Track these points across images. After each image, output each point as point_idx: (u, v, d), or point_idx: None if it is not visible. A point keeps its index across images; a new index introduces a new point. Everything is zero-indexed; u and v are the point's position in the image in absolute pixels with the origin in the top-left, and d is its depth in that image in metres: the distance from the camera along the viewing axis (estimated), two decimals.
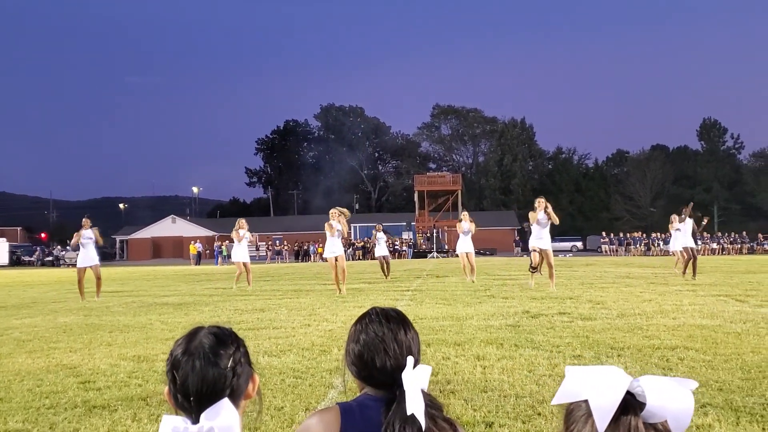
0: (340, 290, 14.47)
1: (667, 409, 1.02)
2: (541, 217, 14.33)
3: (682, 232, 18.06)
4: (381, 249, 21.81)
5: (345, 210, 15.30)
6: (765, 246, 50.15)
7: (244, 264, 17.79)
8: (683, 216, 18.12)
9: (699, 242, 17.96)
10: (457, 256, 19.29)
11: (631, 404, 1.03)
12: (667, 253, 50.40)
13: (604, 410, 1.01)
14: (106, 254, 72.39)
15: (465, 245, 18.14)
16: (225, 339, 1.60)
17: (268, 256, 57.37)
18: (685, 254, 17.88)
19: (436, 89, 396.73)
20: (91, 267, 15.09)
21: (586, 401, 1.05)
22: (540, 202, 14.47)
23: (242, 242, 17.79)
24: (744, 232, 54.24)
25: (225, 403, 1.48)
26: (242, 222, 18.31)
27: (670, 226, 19.84)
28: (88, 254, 15.21)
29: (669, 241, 21.70)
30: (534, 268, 14.55)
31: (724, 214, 77.68)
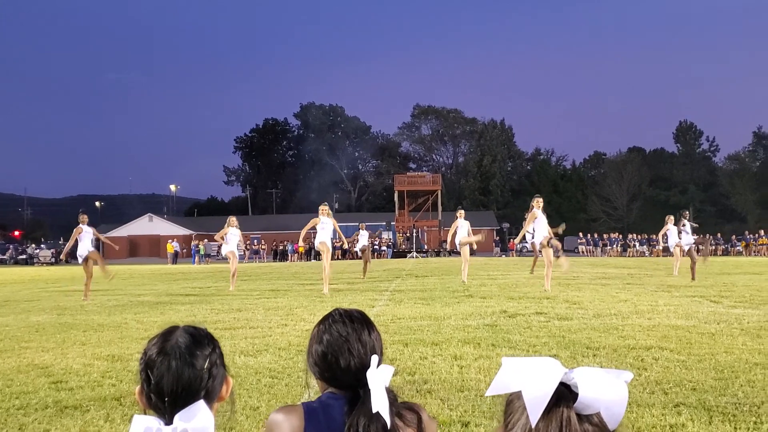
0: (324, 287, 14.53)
1: (600, 400, 1.00)
2: (540, 214, 14.45)
3: (685, 234, 18.29)
4: (362, 241, 22.33)
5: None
6: (738, 248, 50.74)
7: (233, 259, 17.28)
8: (682, 222, 18.41)
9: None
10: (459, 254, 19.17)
11: (564, 396, 1.01)
12: (642, 254, 51.02)
13: (536, 401, 0.99)
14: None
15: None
16: (201, 339, 1.57)
17: (246, 255, 57.06)
18: (684, 254, 18.03)
19: (417, 89, 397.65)
20: (90, 253, 14.74)
21: (519, 396, 1.03)
22: (539, 202, 14.61)
23: (232, 241, 17.41)
24: (719, 234, 54.86)
25: (200, 405, 1.46)
26: (233, 220, 17.75)
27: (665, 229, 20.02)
28: (85, 245, 14.88)
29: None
30: (553, 258, 14.55)
31: (699, 216, 78.52)
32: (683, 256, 18.21)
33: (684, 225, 18.34)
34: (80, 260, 14.87)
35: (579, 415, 1.01)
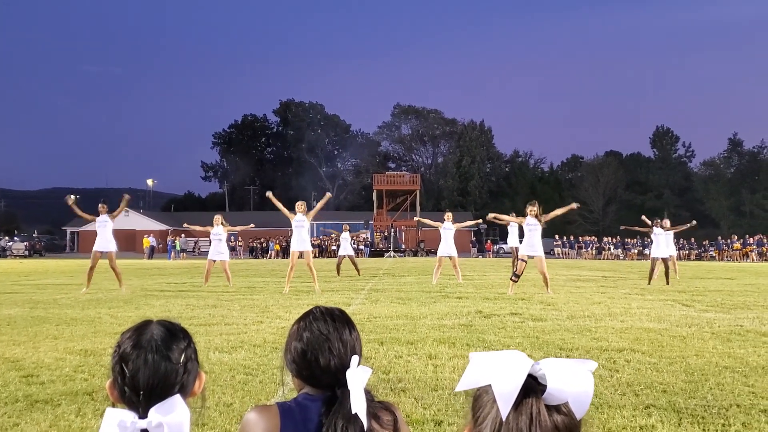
0: (287, 287, 14.30)
1: (566, 391, 1.02)
2: (531, 222, 13.98)
3: (663, 240, 17.94)
4: (345, 248, 21.89)
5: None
6: (711, 253, 51.41)
7: (222, 262, 16.77)
8: (657, 224, 18.05)
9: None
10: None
11: (532, 387, 1.03)
12: (618, 257, 51.51)
13: (506, 394, 1.01)
14: (56, 246, 70.81)
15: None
16: (177, 333, 1.57)
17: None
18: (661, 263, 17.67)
19: (398, 89, 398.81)
20: (109, 253, 14.61)
21: (490, 386, 1.05)
22: (532, 210, 14.07)
23: (222, 240, 17.05)
24: (692, 239, 55.51)
25: (177, 399, 1.45)
26: (220, 218, 17.26)
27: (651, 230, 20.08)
28: (105, 239, 14.75)
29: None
30: (517, 277, 13.86)
31: (673, 220, 79.31)
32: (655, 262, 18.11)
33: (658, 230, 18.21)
34: (94, 248, 14.74)
35: (548, 406, 1.03)
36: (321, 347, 1.73)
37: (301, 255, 14.68)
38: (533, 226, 14.01)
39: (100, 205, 15.36)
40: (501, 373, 1.03)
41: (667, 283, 16.82)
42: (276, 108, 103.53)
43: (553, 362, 1.05)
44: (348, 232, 22.28)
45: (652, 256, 17.72)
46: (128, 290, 14.30)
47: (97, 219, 14.92)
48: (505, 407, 1.01)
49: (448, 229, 17.91)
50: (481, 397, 1.10)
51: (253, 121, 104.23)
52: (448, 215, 18.37)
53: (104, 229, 14.89)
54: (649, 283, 17.03)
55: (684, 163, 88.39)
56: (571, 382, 1.02)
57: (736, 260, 46.64)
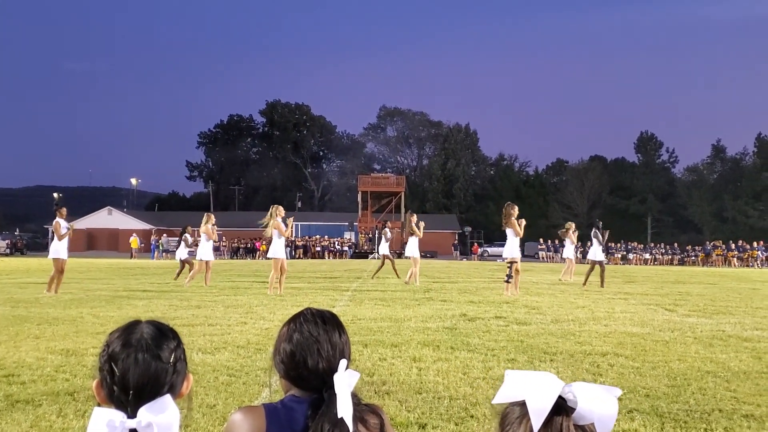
0: (278, 290, 14.07)
1: (594, 412, 1.11)
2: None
3: (593, 245, 18.44)
4: (384, 247, 21.66)
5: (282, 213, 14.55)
6: (694, 258, 51.85)
7: (207, 262, 16.70)
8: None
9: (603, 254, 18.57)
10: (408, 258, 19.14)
11: (562, 407, 1.11)
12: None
13: (539, 411, 1.09)
14: (38, 244, 70.10)
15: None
16: (167, 333, 1.56)
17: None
18: (594, 265, 18.13)
19: (383, 91, 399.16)
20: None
21: (519, 405, 1.14)
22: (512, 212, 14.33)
23: (210, 239, 16.80)
24: (675, 244, 56.01)
25: (167, 399, 1.44)
26: (211, 216, 16.98)
27: (566, 233, 20.77)
28: (63, 245, 14.31)
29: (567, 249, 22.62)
30: (510, 277, 14.13)
31: (657, 225, 80.00)
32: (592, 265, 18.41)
33: (595, 235, 18.40)
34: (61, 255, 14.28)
35: (575, 425, 1.12)
36: (310, 349, 1.72)
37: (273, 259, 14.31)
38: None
39: (60, 209, 14.81)
40: (535, 391, 1.11)
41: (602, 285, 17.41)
42: (262, 108, 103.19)
43: (582, 386, 1.14)
44: (388, 229, 22.05)
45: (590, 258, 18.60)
46: (68, 292, 13.84)
47: (61, 223, 14.36)
48: (537, 422, 1.09)
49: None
50: (508, 415, 1.18)
51: (239, 121, 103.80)
52: (413, 218, 18.50)
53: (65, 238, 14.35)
54: (584, 285, 17.60)
55: (668, 169, 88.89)
56: (599, 405, 1.12)
57: (718, 265, 47.05)
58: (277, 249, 14.21)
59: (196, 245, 17.99)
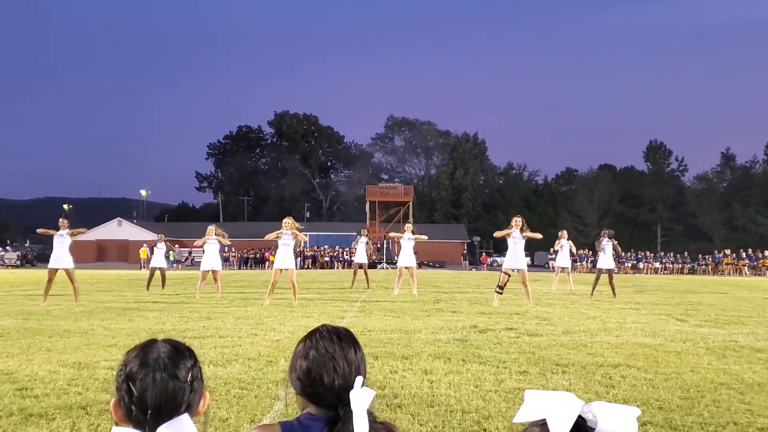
0: (267, 300, 14.11)
1: (614, 431, 1.11)
2: (516, 236, 14.30)
3: (604, 254, 18.43)
4: (360, 256, 22.01)
5: (295, 224, 14.70)
6: (704, 266, 51.58)
7: (214, 272, 16.81)
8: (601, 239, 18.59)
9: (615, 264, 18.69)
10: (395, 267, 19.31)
11: (582, 426, 1.13)
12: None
13: (560, 429, 1.11)
14: (48, 256, 70.40)
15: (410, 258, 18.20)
16: (183, 351, 1.58)
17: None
18: (600, 274, 18.33)
19: (391, 101, 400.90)
20: (63, 269, 14.51)
21: (539, 425, 1.16)
22: (517, 222, 14.48)
23: (212, 249, 16.96)
24: (685, 253, 55.70)
25: (185, 418, 1.46)
26: (211, 229, 17.25)
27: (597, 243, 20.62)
28: (59, 254, 14.59)
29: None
30: (501, 288, 14.28)
31: (667, 234, 79.68)
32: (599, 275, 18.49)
33: (604, 244, 18.36)
34: (50, 265, 14.69)
35: None
36: (326, 366, 1.73)
37: (282, 270, 14.37)
38: (518, 239, 14.38)
39: (61, 219, 15.14)
40: (555, 411, 1.14)
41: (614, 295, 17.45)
42: (271, 119, 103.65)
43: (602, 405, 1.15)
44: (365, 237, 22.40)
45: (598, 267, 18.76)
46: (79, 304, 13.91)
47: (56, 234, 14.68)
48: None
49: (408, 239, 18.04)
50: None
51: (247, 132, 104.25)
52: (408, 227, 18.47)
53: (61, 246, 14.66)
54: (591, 294, 17.69)
55: (677, 177, 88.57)
56: (618, 424, 1.12)
57: (729, 274, 46.78)
58: (289, 260, 14.34)
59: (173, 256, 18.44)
